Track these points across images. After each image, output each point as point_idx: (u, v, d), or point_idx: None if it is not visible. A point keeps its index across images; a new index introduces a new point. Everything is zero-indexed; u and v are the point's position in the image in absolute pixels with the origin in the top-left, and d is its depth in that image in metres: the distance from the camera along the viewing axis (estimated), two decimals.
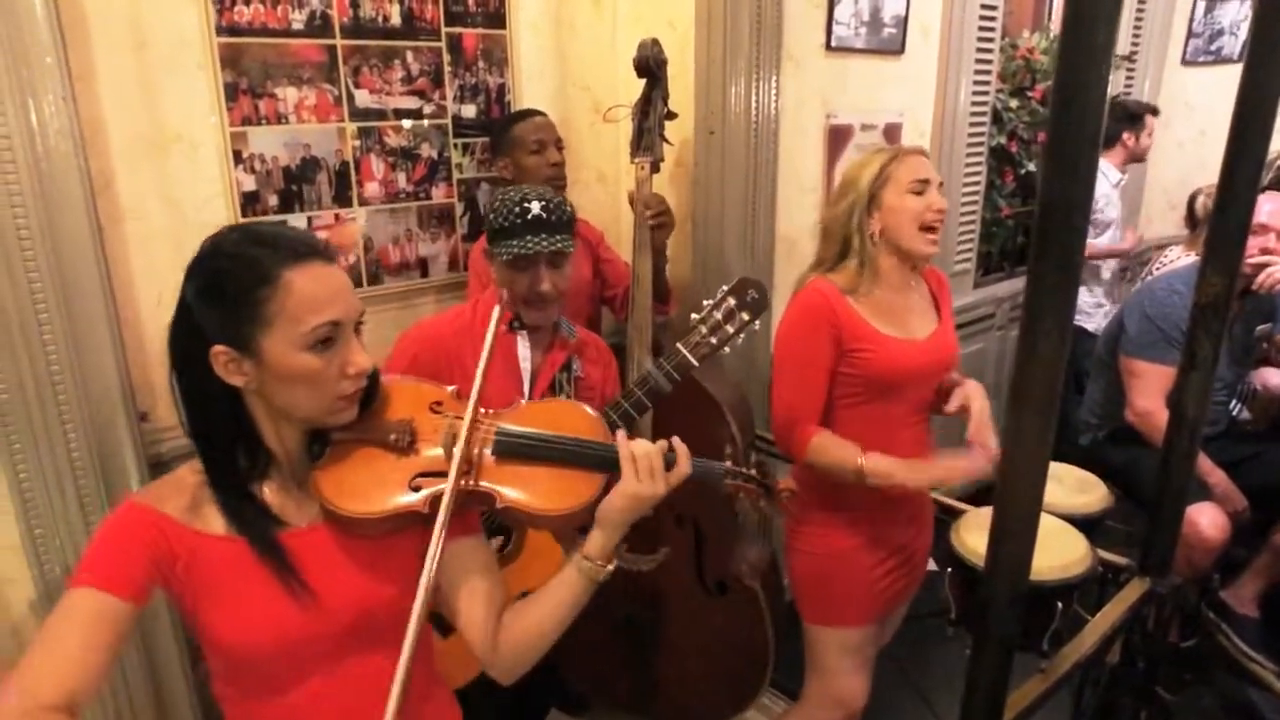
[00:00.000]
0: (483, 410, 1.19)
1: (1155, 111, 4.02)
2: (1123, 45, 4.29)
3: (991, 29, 3.37)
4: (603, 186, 2.79)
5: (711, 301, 1.65)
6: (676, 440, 1.21)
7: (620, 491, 1.14)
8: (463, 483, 1.11)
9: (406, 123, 2.31)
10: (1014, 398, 1.07)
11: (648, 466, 1.14)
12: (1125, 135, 3.93)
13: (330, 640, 1.10)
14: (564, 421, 1.21)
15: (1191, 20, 4.44)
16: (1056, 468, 2.00)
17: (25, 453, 1.69)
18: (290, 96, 2.09)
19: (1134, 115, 3.93)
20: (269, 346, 1.00)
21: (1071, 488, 1.96)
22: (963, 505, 1.96)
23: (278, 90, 2.06)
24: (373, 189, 2.28)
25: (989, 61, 3.42)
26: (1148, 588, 1.75)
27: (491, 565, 1.22)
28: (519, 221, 1.72)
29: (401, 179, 2.33)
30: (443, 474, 1.11)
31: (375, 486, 1.10)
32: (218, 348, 1.01)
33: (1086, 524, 1.78)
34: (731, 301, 1.63)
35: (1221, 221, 1.52)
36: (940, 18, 3.16)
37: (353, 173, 2.23)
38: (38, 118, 1.61)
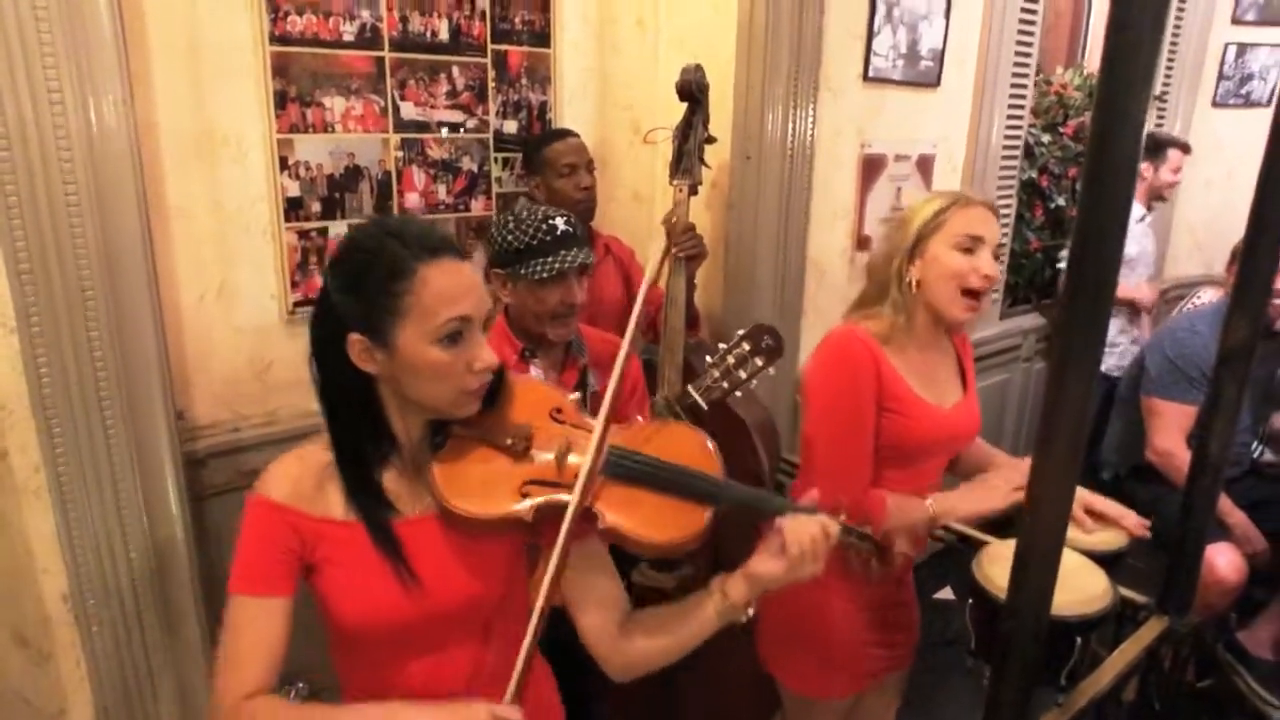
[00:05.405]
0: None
1: (1186, 149, 3.78)
2: (1155, 84, 4.28)
3: (1026, 65, 3.39)
4: (638, 206, 2.82)
5: (726, 345, 1.64)
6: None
7: (785, 569, 1.17)
8: (569, 498, 1.13)
9: (445, 131, 2.35)
10: (1042, 428, 1.08)
11: (814, 552, 1.16)
12: (1142, 166, 3.57)
13: (433, 627, 1.15)
14: (679, 448, 1.21)
15: (1222, 64, 4.44)
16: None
17: (66, 445, 1.72)
18: (337, 106, 2.14)
19: (1157, 145, 3.70)
20: (401, 337, 1.05)
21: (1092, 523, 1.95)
22: (985, 536, 1.95)
23: (325, 99, 2.11)
24: (413, 199, 2.33)
25: (1023, 96, 3.45)
26: (1166, 626, 1.74)
27: (607, 567, 1.25)
28: (548, 239, 1.73)
29: (442, 190, 2.38)
30: (553, 484, 1.13)
31: (486, 488, 1.13)
32: (354, 336, 1.07)
33: (1106, 560, 1.77)
34: (745, 347, 1.61)
35: (1249, 266, 1.51)
36: (976, 52, 3.19)
37: (394, 183, 2.28)
38: (96, 117, 1.65)
